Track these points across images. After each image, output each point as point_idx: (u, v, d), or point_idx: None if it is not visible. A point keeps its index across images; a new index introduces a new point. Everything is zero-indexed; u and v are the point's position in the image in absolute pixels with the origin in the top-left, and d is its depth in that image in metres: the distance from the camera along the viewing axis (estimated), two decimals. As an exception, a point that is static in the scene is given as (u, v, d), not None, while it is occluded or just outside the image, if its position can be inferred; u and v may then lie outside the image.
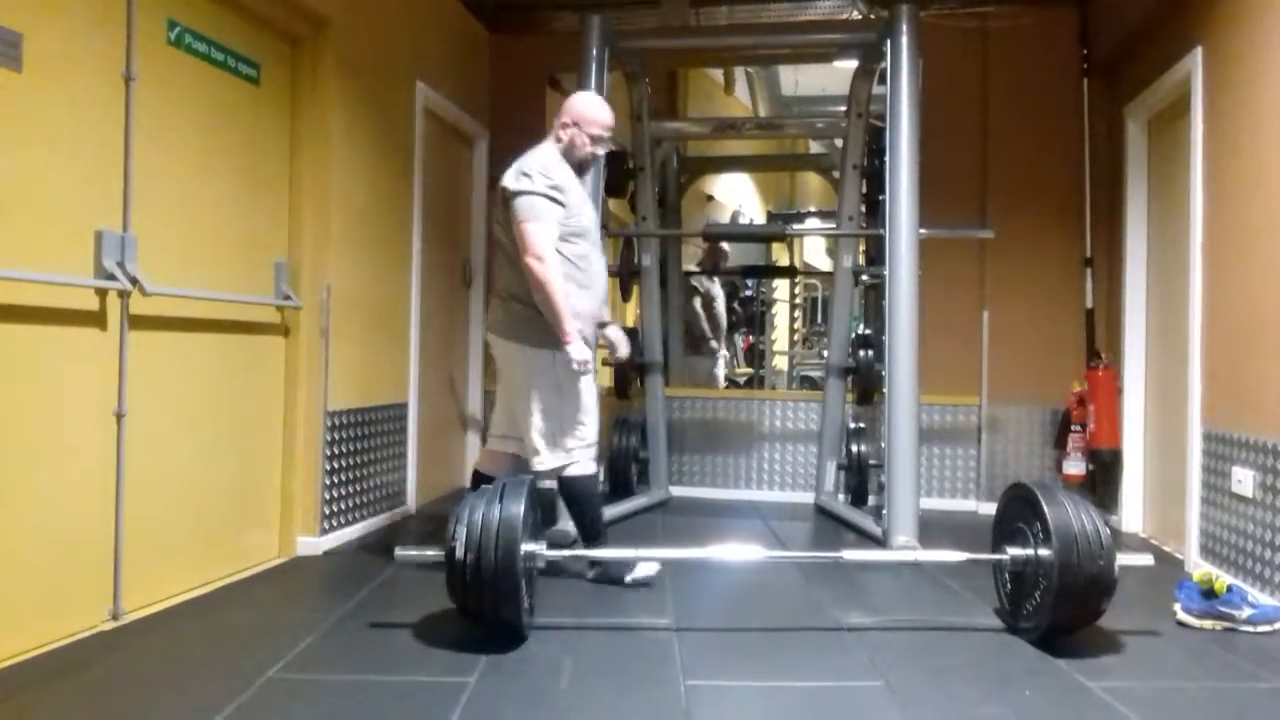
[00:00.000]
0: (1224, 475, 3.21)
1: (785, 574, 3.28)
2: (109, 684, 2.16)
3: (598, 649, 2.48)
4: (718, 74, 6.92)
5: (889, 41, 3.82)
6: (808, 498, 4.84)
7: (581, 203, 2.99)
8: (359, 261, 3.72)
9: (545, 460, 2.94)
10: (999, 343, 4.68)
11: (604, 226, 3.90)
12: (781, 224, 7.06)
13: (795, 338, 7.67)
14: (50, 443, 2.37)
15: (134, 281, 2.55)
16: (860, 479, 4.57)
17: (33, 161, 2.31)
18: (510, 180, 2.89)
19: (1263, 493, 2.95)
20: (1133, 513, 4.25)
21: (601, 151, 3.09)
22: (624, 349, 3.32)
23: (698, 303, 6.33)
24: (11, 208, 2.25)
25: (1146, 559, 2.64)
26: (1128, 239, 4.28)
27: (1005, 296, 4.69)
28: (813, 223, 7.61)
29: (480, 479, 3.06)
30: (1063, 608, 2.40)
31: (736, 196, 7.81)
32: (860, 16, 4.75)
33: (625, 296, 4.88)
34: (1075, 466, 4.42)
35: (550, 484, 2.99)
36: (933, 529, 3.79)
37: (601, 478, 4.00)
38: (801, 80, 6.63)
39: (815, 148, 6.37)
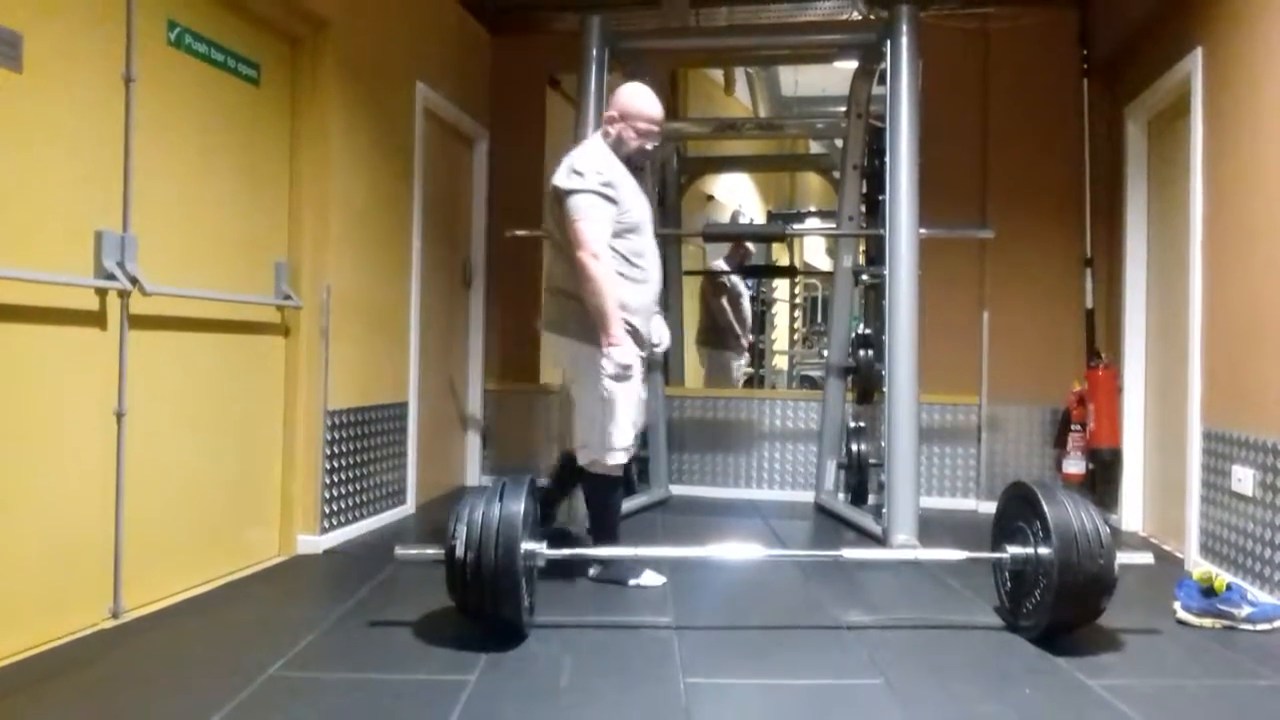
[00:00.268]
0: (1224, 474, 3.21)
1: (785, 572, 3.29)
2: (110, 682, 2.16)
3: (598, 647, 2.48)
4: (718, 74, 6.93)
5: (889, 42, 3.82)
6: (808, 497, 4.84)
7: (634, 197, 2.97)
8: (359, 261, 3.73)
9: (591, 452, 2.98)
10: (999, 342, 4.68)
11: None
12: (781, 224, 7.07)
13: (795, 337, 7.68)
14: (51, 442, 2.38)
15: (134, 281, 2.55)
16: (860, 478, 4.56)
17: (33, 161, 2.31)
18: (562, 178, 2.88)
19: (1262, 491, 2.96)
20: (1132, 511, 4.25)
21: (650, 146, 3.03)
22: (666, 341, 3.33)
23: (724, 299, 6.34)
24: (12, 207, 2.25)
25: (1146, 557, 2.64)
26: (1128, 239, 4.28)
27: (1005, 296, 4.69)
28: (813, 223, 7.62)
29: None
30: (1063, 606, 2.40)
31: (736, 196, 7.82)
32: (860, 17, 4.76)
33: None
34: (1075, 465, 4.42)
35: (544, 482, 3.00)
36: (933, 528, 3.79)
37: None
38: (801, 81, 6.64)
39: (815, 148, 6.40)
